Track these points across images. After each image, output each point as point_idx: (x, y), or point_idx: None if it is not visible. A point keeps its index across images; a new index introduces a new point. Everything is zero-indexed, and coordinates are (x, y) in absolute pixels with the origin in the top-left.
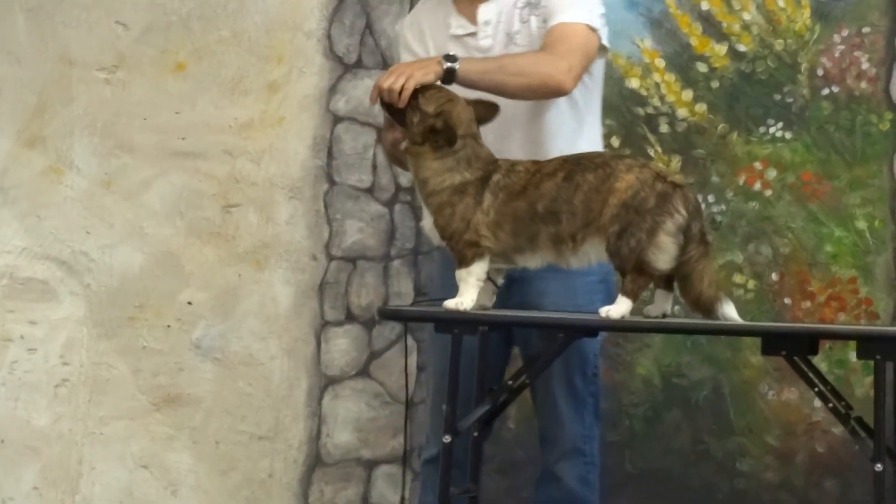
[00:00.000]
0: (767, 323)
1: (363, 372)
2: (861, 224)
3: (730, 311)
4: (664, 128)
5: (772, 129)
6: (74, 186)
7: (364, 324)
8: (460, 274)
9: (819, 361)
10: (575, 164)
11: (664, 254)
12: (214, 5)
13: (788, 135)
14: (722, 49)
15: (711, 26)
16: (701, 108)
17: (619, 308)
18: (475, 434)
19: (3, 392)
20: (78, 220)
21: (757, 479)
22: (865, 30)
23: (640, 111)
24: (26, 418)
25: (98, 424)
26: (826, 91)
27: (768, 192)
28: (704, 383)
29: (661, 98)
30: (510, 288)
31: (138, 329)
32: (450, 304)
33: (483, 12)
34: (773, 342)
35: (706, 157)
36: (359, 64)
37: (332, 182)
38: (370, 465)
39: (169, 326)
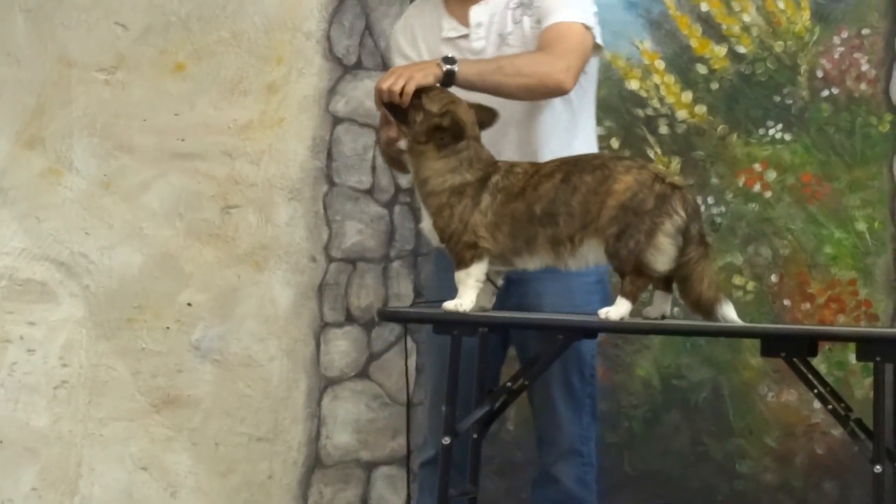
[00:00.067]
0: (767, 324)
1: (362, 373)
2: (861, 226)
3: (729, 313)
4: (664, 129)
5: (771, 131)
6: (73, 187)
7: (363, 325)
8: (459, 275)
9: (818, 363)
10: (573, 166)
11: (663, 255)
12: (214, 6)
13: (788, 136)
14: (722, 50)
15: (711, 28)
16: (700, 109)
17: (619, 309)
18: (474, 436)
19: (3, 393)
20: (77, 222)
21: (756, 481)
22: (865, 31)
23: (640, 112)
24: (25, 419)
25: (97, 426)
26: (826, 93)
27: (768, 194)
28: (704, 385)
29: (661, 99)
30: (508, 289)
31: (137, 330)
32: (449, 305)
33: (475, 14)
34: (773, 344)
35: (706, 159)
36: (358, 65)
37: (331, 183)
38: (370, 466)
39: (168, 328)
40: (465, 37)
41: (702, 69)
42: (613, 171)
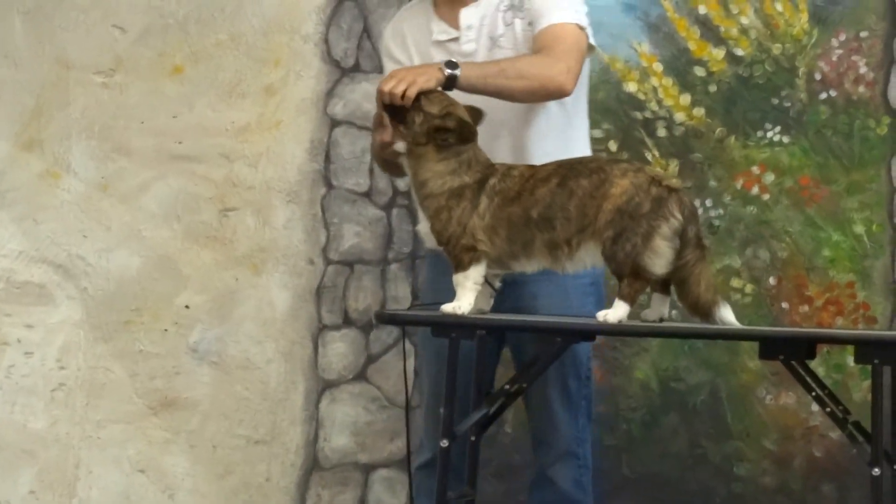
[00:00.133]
0: (765, 327)
1: (360, 376)
2: (859, 228)
3: (727, 316)
4: (662, 132)
5: (769, 134)
6: (71, 190)
7: (361, 328)
8: (457, 278)
9: (817, 366)
10: (569, 170)
11: (660, 258)
12: (212, 8)
13: (786, 139)
14: (720, 53)
15: (709, 30)
16: (698, 112)
17: (617, 312)
18: (472, 438)
19: (0, 396)
20: (75, 224)
21: (754, 484)
22: (863, 34)
23: (638, 115)
24: (23, 422)
25: (95, 428)
26: (824, 95)
27: (766, 197)
28: (702, 387)
29: (659, 102)
30: (503, 291)
31: (135, 333)
32: (448, 308)
33: (465, 17)
34: (771, 346)
35: (704, 162)
36: (356, 68)
37: (329, 186)
38: (367, 469)
39: (166, 330)
40: (456, 40)
41: (700, 72)
42: (610, 174)
